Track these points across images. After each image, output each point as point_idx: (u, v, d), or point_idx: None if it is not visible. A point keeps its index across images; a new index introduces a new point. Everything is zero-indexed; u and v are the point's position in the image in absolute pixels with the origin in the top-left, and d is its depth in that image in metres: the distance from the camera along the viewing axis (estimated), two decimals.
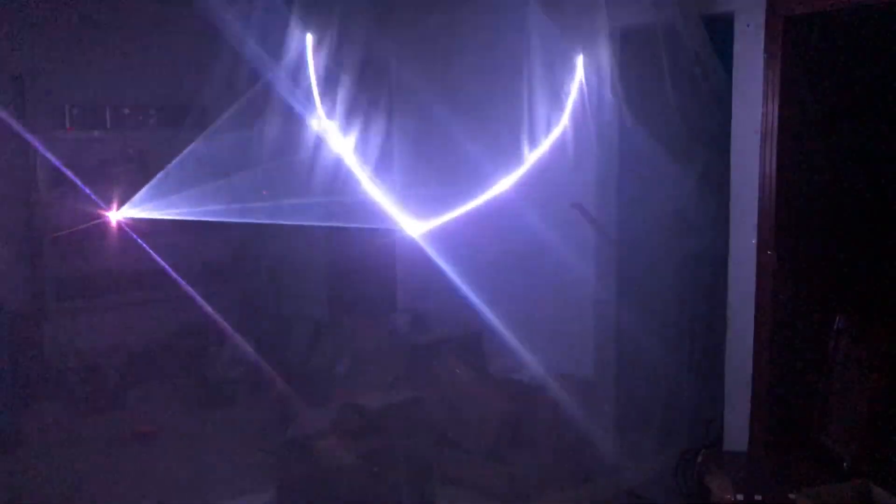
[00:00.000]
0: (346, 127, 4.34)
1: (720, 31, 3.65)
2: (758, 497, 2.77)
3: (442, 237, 4.44)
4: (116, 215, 5.16)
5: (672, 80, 3.75)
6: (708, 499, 3.02)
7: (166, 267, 5.29)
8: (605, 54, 4.02)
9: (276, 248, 6.18)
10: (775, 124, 3.34)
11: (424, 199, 4.57)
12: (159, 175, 4.71)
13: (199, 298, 5.14)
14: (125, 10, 5.36)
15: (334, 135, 4.31)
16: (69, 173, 5.05)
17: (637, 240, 4.18)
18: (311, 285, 6.04)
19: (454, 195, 4.40)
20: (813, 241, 3.48)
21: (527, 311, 4.32)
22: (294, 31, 4.22)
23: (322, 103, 4.33)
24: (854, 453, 2.78)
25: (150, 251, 5.16)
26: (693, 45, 3.64)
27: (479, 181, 4.33)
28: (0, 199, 5.32)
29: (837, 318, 3.01)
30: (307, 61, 4.24)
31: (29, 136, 5.11)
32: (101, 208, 5.12)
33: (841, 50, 3.44)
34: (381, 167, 4.54)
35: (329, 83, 4.36)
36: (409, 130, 5.16)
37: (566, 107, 4.11)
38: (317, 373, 4.85)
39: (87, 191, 5.08)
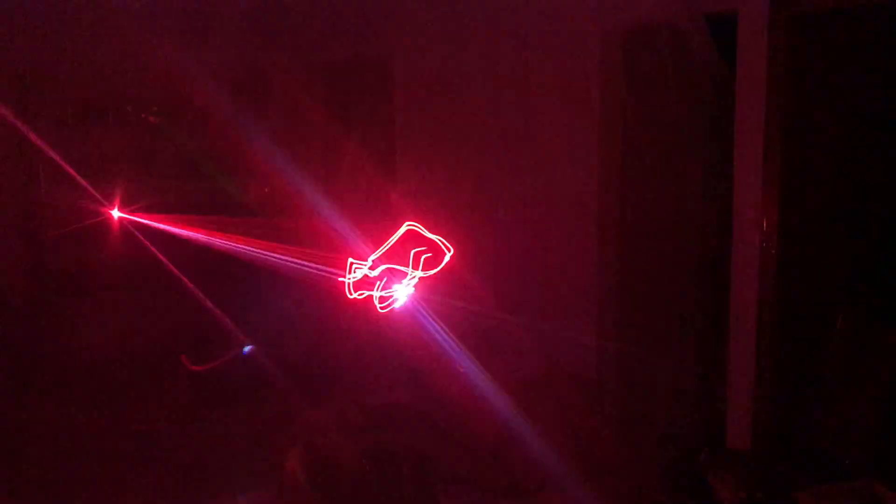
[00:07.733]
0: None
1: (724, 29, 3.65)
2: (760, 495, 2.77)
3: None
4: (118, 212, 5.15)
5: (676, 78, 3.75)
6: (711, 497, 3.02)
7: (168, 263, 5.29)
8: (608, 52, 4.01)
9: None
10: (779, 122, 3.33)
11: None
12: None
13: (200, 295, 5.13)
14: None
15: None
16: (70, 170, 5.05)
17: (640, 237, 4.17)
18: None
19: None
20: (817, 238, 3.48)
21: (529, 309, 4.31)
22: None
23: None
24: (857, 452, 2.78)
25: (152, 248, 5.16)
26: (696, 43, 3.63)
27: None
28: (1, 196, 5.30)
29: (841, 317, 3.01)
30: None
31: (30, 133, 5.09)
32: (102, 205, 5.12)
33: (844, 47, 3.44)
34: None
35: None
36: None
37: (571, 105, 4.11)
38: (319, 370, 4.85)
39: (89, 188, 5.07)
